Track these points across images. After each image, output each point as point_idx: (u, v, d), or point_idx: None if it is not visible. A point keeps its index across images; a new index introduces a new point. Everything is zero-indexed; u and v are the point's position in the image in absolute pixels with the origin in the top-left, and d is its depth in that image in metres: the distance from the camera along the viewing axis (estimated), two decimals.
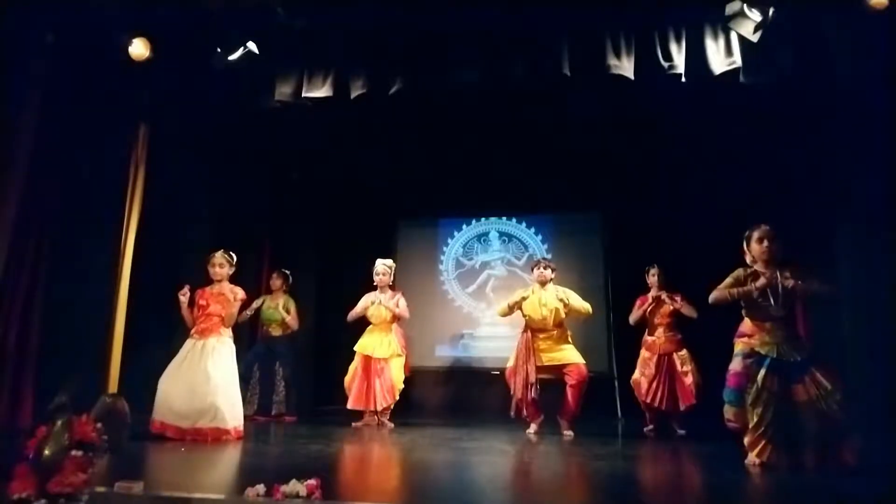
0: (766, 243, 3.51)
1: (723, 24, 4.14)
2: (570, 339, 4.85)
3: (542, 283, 4.91)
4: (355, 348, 5.25)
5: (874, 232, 4.14)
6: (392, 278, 5.43)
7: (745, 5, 3.95)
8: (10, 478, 2.05)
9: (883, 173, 4.08)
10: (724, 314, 3.68)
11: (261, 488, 2.33)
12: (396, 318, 5.30)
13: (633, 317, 5.05)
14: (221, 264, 4.42)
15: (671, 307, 4.87)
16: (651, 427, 4.91)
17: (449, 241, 7.26)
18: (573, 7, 4.23)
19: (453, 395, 6.71)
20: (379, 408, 5.07)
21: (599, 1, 4.24)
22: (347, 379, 5.21)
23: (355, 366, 5.19)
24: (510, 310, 4.91)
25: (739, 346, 3.50)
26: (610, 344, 6.36)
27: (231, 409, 4.15)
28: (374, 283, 5.34)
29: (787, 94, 4.51)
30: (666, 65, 4.19)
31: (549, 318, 4.77)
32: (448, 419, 5.81)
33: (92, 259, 4.64)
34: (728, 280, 3.57)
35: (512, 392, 4.76)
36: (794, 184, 4.96)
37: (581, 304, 4.86)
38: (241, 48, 4.50)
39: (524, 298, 4.85)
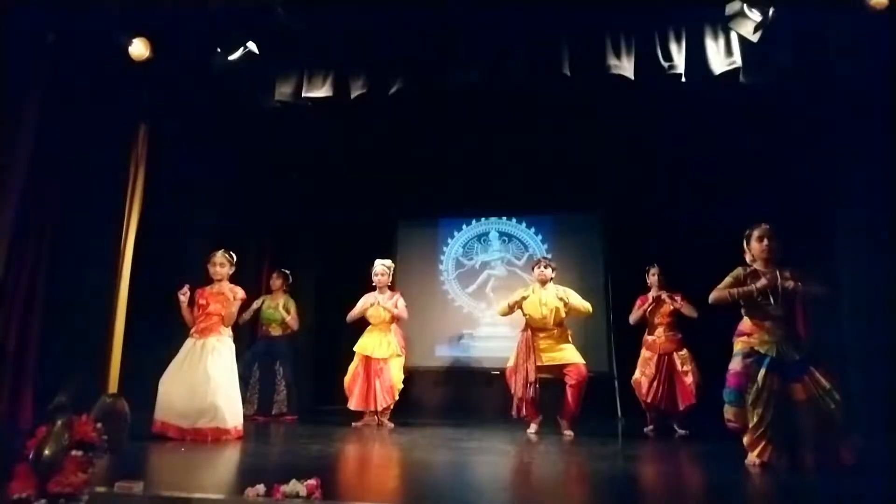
0: (765, 242, 3.51)
1: (723, 24, 4.14)
2: (570, 339, 4.85)
3: (543, 283, 4.91)
4: (355, 349, 5.25)
5: (874, 232, 4.14)
6: (391, 279, 5.43)
7: (745, 5, 3.95)
8: (10, 478, 2.05)
9: (883, 173, 4.09)
10: (723, 314, 3.68)
11: (261, 488, 2.34)
12: (395, 319, 5.30)
13: (634, 316, 5.05)
14: (222, 263, 4.43)
15: (671, 307, 4.87)
16: (651, 427, 4.91)
17: (449, 241, 7.26)
18: (573, 7, 4.24)
19: (453, 395, 6.71)
20: (379, 408, 5.07)
21: (599, 1, 4.24)
22: (347, 379, 5.21)
23: (355, 366, 5.20)
24: (510, 309, 4.91)
25: (739, 345, 3.50)
26: (610, 344, 6.36)
27: (231, 409, 4.15)
28: (373, 284, 5.34)
29: (787, 94, 4.51)
30: (666, 65, 4.19)
31: (549, 317, 4.77)
32: (448, 419, 5.81)
33: (92, 259, 4.64)
34: (727, 279, 3.56)
35: (512, 391, 4.76)
36: (794, 184, 4.96)
37: (581, 304, 4.86)
38: (241, 48, 4.50)
39: (524, 298, 4.85)
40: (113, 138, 4.76)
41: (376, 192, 7.00)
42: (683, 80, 4.20)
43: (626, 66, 4.22)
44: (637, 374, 4.95)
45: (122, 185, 4.75)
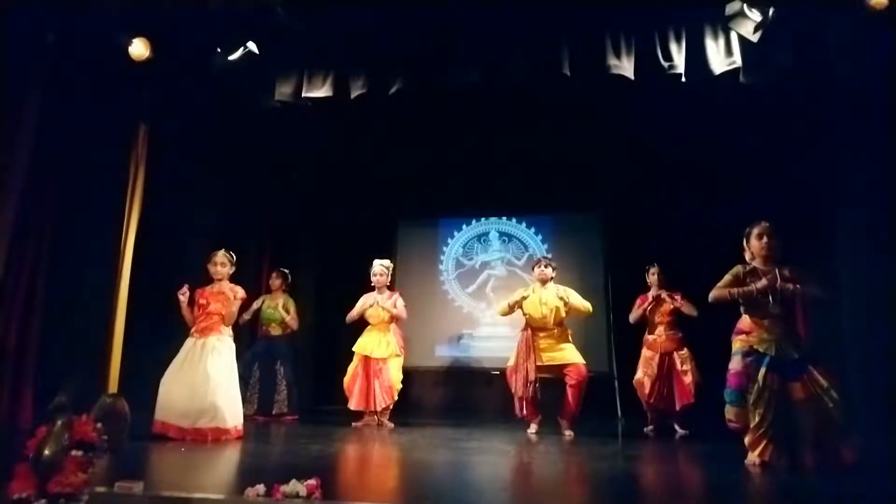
0: (765, 240, 3.52)
1: (723, 24, 4.14)
2: (570, 338, 4.85)
3: (543, 282, 4.91)
4: (354, 349, 5.25)
5: (874, 232, 4.15)
6: (390, 279, 5.43)
7: (745, 5, 3.96)
8: (10, 478, 2.05)
9: (883, 173, 4.09)
10: (724, 313, 3.68)
11: (261, 488, 2.33)
12: (394, 319, 5.30)
13: (634, 315, 5.06)
14: (223, 263, 4.43)
15: (671, 306, 4.88)
16: (651, 427, 4.91)
17: (449, 241, 7.26)
18: (573, 7, 4.24)
19: (453, 395, 6.71)
20: (378, 408, 5.07)
21: (599, 1, 4.24)
22: (347, 379, 5.21)
23: (354, 366, 5.20)
24: (510, 309, 4.91)
25: (738, 343, 3.50)
26: (610, 344, 6.36)
27: (231, 409, 4.16)
28: (372, 284, 5.35)
29: (787, 94, 4.51)
30: (666, 65, 4.20)
31: (549, 316, 4.77)
32: (448, 419, 5.81)
33: (92, 259, 4.64)
34: (727, 278, 3.57)
35: (513, 391, 4.76)
36: (794, 183, 4.96)
37: (581, 303, 4.86)
38: (241, 48, 4.50)
39: (524, 298, 4.85)
40: (113, 138, 4.76)
41: (376, 192, 7.01)
42: (683, 80, 4.20)
43: (626, 66, 4.22)
44: (639, 374, 4.95)
45: (122, 185, 4.75)
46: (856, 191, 4.38)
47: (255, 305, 5.67)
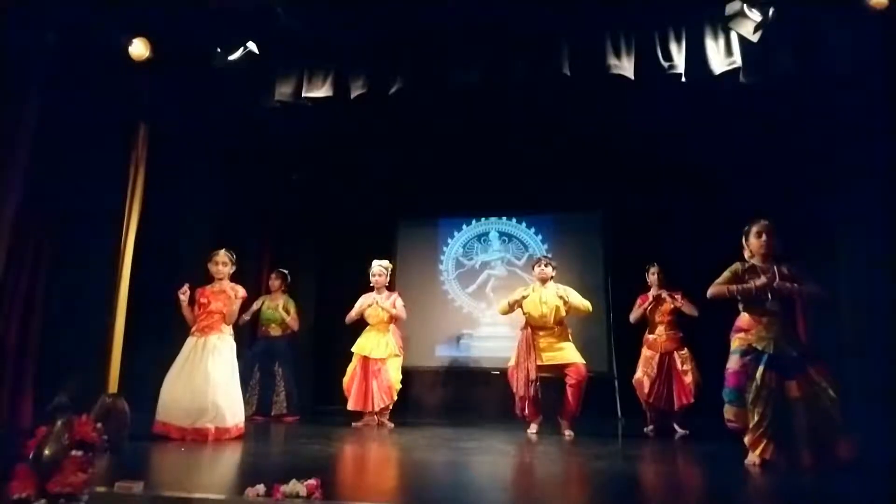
0: (764, 237, 3.53)
1: (723, 24, 4.14)
2: (570, 337, 4.85)
3: (543, 281, 4.92)
4: (353, 349, 5.26)
5: (874, 231, 4.15)
6: (388, 279, 5.44)
7: (745, 5, 3.95)
8: (10, 478, 2.05)
9: (882, 173, 4.09)
10: (724, 313, 3.68)
11: (261, 488, 2.33)
12: (393, 319, 5.30)
13: (634, 315, 5.06)
14: (224, 262, 4.45)
15: (671, 305, 4.88)
16: (651, 427, 4.91)
17: (449, 241, 7.26)
18: (573, 7, 4.23)
19: (453, 394, 6.70)
20: (377, 408, 5.07)
21: (599, 1, 4.24)
22: (346, 380, 5.22)
23: (353, 366, 5.20)
24: (510, 308, 4.92)
25: (736, 342, 3.50)
26: (610, 344, 6.36)
27: (231, 407, 4.17)
28: (371, 284, 5.35)
29: (787, 94, 4.51)
30: (666, 65, 4.19)
31: (549, 315, 4.77)
32: (448, 419, 5.81)
33: (92, 259, 4.64)
34: (725, 274, 3.57)
35: (514, 390, 4.77)
36: (794, 183, 4.96)
37: (581, 302, 4.86)
38: (241, 48, 4.50)
39: (525, 297, 4.85)
40: (113, 138, 4.75)
41: (376, 192, 7.00)
42: (683, 80, 4.20)
43: (626, 66, 4.22)
44: (639, 374, 4.95)
45: (122, 185, 4.75)
46: (856, 191, 4.38)
47: (255, 306, 5.67)
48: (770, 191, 5.14)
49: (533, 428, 4.73)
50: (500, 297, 5.57)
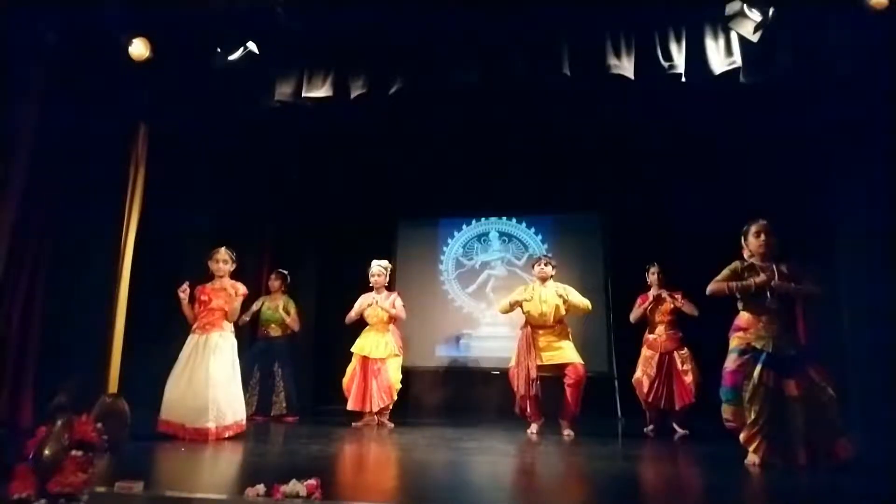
0: (762, 237, 3.55)
1: (723, 24, 4.14)
2: (570, 336, 4.86)
3: (543, 280, 4.92)
4: (352, 349, 5.26)
5: (874, 231, 4.15)
6: (388, 279, 5.44)
7: (745, 5, 3.95)
8: (10, 478, 2.05)
9: (882, 173, 4.09)
10: (725, 313, 3.68)
11: (261, 488, 2.34)
12: (393, 319, 5.30)
13: (634, 315, 5.07)
14: (225, 260, 4.47)
15: (671, 305, 4.89)
16: (651, 427, 4.91)
17: (449, 241, 7.26)
18: (573, 7, 4.23)
19: (453, 395, 6.70)
20: (377, 408, 5.07)
21: (599, 1, 4.24)
22: (346, 380, 5.22)
23: (353, 367, 5.20)
24: (511, 308, 4.92)
25: (735, 341, 3.51)
26: (610, 344, 6.36)
27: (231, 405, 4.20)
28: (371, 284, 5.35)
29: (787, 94, 4.51)
30: (666, 65, 4.19)
31: (549, 314, 4.78)
32: (448, 419, 5.81)
33: (92, 259, 4.63)
34: (725, 272, 3.59)
35: (515, 390, 4.77)
36: (794, 183, 4.96)
37: (580, 301, 4.87)
38: (241, 48, 4.50)
39: (526, 301, 4.84)
40: (113, 138, 4.75)
41: (376, 192, 7.00)
42: (683, 79, 4.20)
43: (626, 66, 4.22)
44: (638, 374, 4.95)
45: (122, 185, 4.75)
46: (856, 190, 4.38)
47: (255, 307, 5.67)
48: (770, 190, 5.13)
49: (533, 428, 4.73)
50: (501, 298, 5.58)
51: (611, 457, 3.98)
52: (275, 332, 5.67)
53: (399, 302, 5.33)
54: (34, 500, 2.00)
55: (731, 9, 4.02)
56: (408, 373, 5.68)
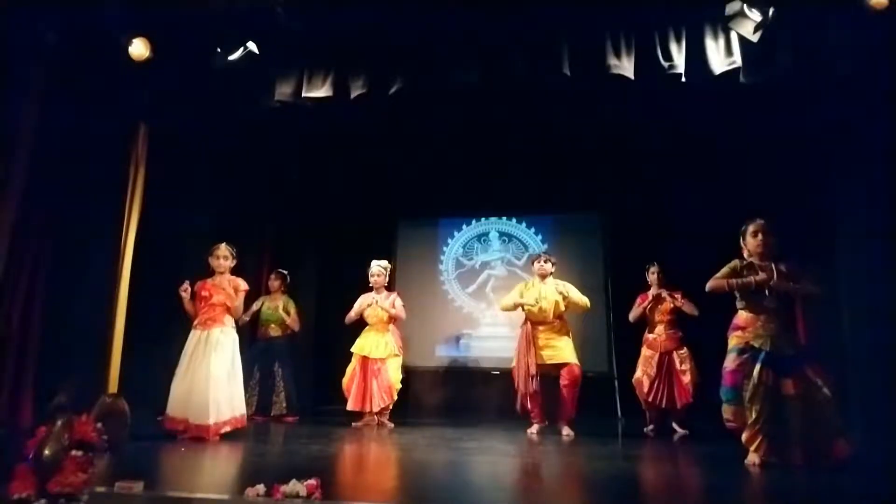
0: (760, 237, 3.56)
1: (723, 24, 4.14)
2: (569, 333, 4.87)
3: (543, 277, 4.94)
4: (352, 349, 5.26)
5: (874, 231, 4.14)
6: (388, 279, 5.44)
7: (745, 5, 3.95)
8: (10, 478, 2.05)
9: (883, 172, 4.09)
10: (725, 312, 3.68)
11: (261, 488, 2.34)
12: (393, 319, 5.30)
13: (633, 314, 5.07)
14: (226, 256, 4.50)
15: (671, 304, 4.89)
16: (651, 427, 4.91)
17: (449, 241, 7.26)
18: (573, 7, 4.23)
19: (453, 394, 6.70)
20: (377, 408, 5.07)
21: (599, 1, 4.24)
22: (345, 380, 5.22)
23: (353, 367, 5.20)
24: (515, 307, 4.93)
25: (734, 340, 3.51)
26: (610, 344, 6.36)
27: (231, 401, 4.23)
28: (370, 285, 5.35)
29: (787, 94, 4.51)
30: (666, 65, 4.19)
31: (548, 310, 4.80)
32: (448, 419, 5.81)
33: (92, 259, 4.63)
34: (725, 270, 3.60)
35: (516, 387, 4.78)
36: (794, 182, 4.96)
37: (580, 298, 4.89)
38: (241, 48, 4.50)
39: (532, 306, 4.83)
40: (113, 138, 4.75)
41: (376, 192, 7.00)
42: (683, 79, 4.20)
43: (626, 66, 4.22)
44: (639, 373, 4.95)
45: (122, 185, 4.75)
46: (856, 190, 4.38)
47: (255, 307, 5.67)
48: (770, 190, 5.13)
49: (534, 428, 4.73)
50: (501, 297, 5.57)
51: (611, 457, 3.98)
52: (275, 331, 5.67)
53: (399, 302, 5.33)
54: (34, 500, 2.00)
55: (731, 9, 4.02)
56: (408, 373, 5.68)
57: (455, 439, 4.42)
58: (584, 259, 6.68)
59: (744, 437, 3.36)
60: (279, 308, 5.66)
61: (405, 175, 6.86)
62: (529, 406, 4.72)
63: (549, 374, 4.75)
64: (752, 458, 3.32)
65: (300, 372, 5.89)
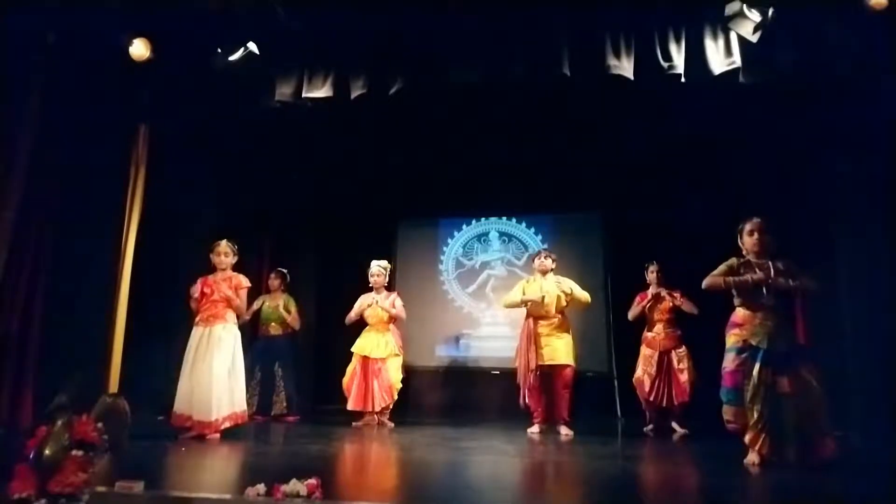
0: (756, 235, 3.56)
1: (723, 24, 4.14)
2: (570, 329, 4.90)
3: (543, 273, 4.96)
4: (352, 349, 5.26)
5: (874, 230, 4.15)
6: (387, 279, 5.45)
7: (745, 5, 3.95)
8: (10, 478, 2.05)
9: (882, 172, 4.10)
10: (724, 311, 3.68)
11: (261, 488, 2.34)
12: (393, 319, 5.31)
13: (633, 313, 5.08)
14: (227, 253, 4.51)
15: (671, 303, 4.90)
16: (651, 426, 4.92)
17: (449, 241, 7.26)
18: (573, 7, 4.23)
19: (453, 394, 6.70)
20: (377, 408, 5.07)
21: (599, 1, 4.24)
22: (346, 380, 5.22)
23: (353, 367, 5.21)
24: (519, 304, 4.95)
25: (731, 338, 3.51)
26: (610, 344, 6.36)
27: (231, 397, 4.24)
28: (370, 285, 5.35)
29: (787, 94, 4.51)
30: (666, 65, 4.19)
31: (550, 305, 4.82)
32: (448, 419, 5.81)
33: (92, 259, 4.64)
34: (722, 267, 3.60)
35: (518, 381, 4.80)
36: (794, 182, 4.97)
37: (580, 293, 4.93)
38: (241, 48, 4.50)
39: (538, 299, 4.84)
40: (113, 138, 4.75)
41: (376, 192, 7.00)
42: (683, 80, 4.20)
43: (625, 66, 4.22)
44: (639, 373, 4.96)
45: (122, 185, 4.75)
46: (855, 190, 4.38)
47: (255, 306, 5.67)
48: (770, 190, 5.13)
49: (534, 428, 4.74)
50: (500, 297, 5.58)
51: (611, 457, 3.98)
52: (275, 330, 5.68)
53: (399, 302, 5.33)
54: (34, 500, 2.00)
55: (730, 9, 4.01)
56: (408, 373, 5.68)
57: (455, 439, 4.42)
58: (584, 259, 6.67)
59: (747, 438, 3.35)
60: (280, 307, 5.66)
61: (405, 175, 6.86)
62: (529, 400, 4.74)
63: (546, 372, 4.76)
64: (752, 457, 3.32)
65: (300, 372, 5.90)
